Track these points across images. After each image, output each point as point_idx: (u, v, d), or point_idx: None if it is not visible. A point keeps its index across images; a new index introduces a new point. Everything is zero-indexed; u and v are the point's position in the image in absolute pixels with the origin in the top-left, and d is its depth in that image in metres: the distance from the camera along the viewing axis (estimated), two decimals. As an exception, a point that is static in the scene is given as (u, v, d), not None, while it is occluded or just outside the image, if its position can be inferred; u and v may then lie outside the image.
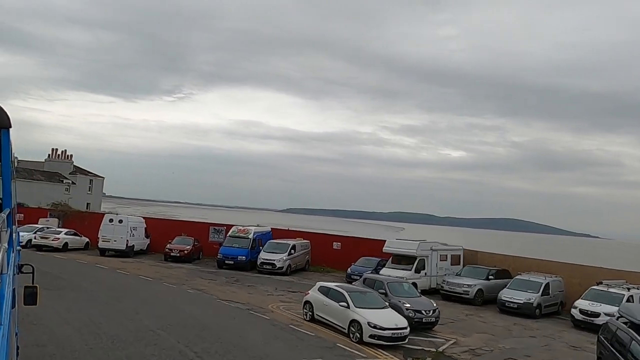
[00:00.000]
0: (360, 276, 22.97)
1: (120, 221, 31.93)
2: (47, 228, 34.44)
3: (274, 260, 29.41)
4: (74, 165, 59.65)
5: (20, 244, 33.17)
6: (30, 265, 7.70)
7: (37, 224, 35.84)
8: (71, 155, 59.80)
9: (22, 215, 37.69)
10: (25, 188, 48.16)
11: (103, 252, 31.74)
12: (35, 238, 31.80)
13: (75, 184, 57.43)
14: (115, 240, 31.39)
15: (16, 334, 6.75)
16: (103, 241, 31.54)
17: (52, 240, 31.57)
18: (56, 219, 37.07)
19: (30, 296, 7.08)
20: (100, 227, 31.74)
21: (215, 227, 36.84)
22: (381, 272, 25.70)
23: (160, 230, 35.53)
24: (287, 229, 37.82)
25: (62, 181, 55.99)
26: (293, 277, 28.95)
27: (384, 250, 27.63)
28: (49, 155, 59.58)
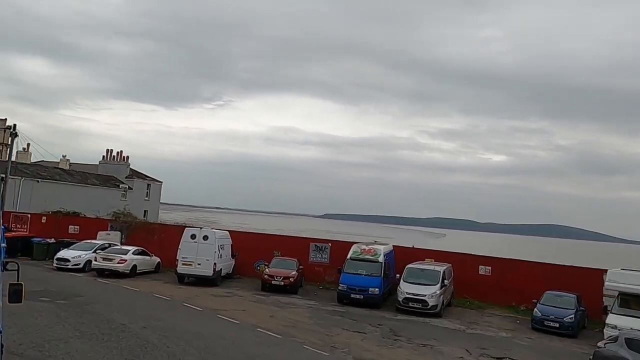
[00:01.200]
0: (561, 322, 18.29)
1: (206, 237, 23.69)
2: (110, 245, 26.65)
3: (425, 295, 20.50)
4: (130, 169, 52.51)
5: (77, 266, 25.36)
6: (16, 263, 7.62)
7: (95, 238, 28.16)
8: (127, 157, 52.75)
9: (78, 227, 30.00)
10: (79, 195, 41.04)
11: (182, 278, 23.59)
12: (95, 260, 23.91)
13: (132, 189, 50.17)
14: (199, 264, 23.15)
15: (0, 332, 6.65)
16: (183, 264, 23.35)
17: (118, 262, 23.58)
18: (118, 233, 29.29)
19: (15, 294, 7.22)
20: (180, 246, 23.62)
21: (318, 244, 28.28)
22: (614, 321, 16.56)
23: (242, 245, 27.24)
24: (411, 246, 28.84)
25: (119, 186, 48.80)
26: (451, 321, 20.00)
27: (606, 287, 18.31)
28: (103, 156, 52.68)
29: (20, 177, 35.34)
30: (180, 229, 27.28)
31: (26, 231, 30.31)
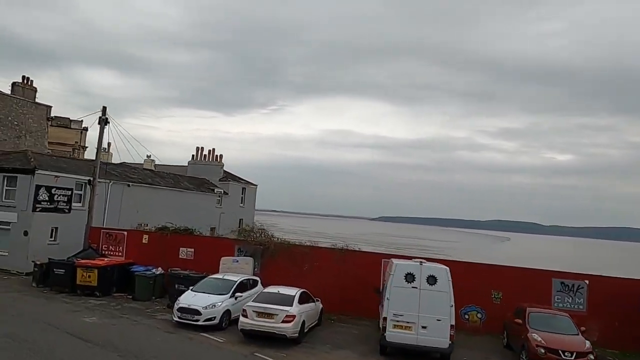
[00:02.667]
0: None
1: (433, 280, 13.39)
2: (250, 282, 17.07)
3: None
4: (224, 170, 43.61)
5: (211, 321, 14.95)
6: None
7: (217, 268, 18.76)
8: (220, 156, 43.82)
9: (192, 250, 20.66)
10: (174, 204, 32.24)
11: (384, 348, 13.52)
12: (245, 315, 14.10)
13: (227, 193, 41.15)
14: (424, 327, 12.91)
15: None
16: (396, 326, 13.16)
17: (284, 321, 13.70)
18: (250, 259, 19.68)
19: None
20: (388, 293, 13.47)
21: (565, 282, 17.54)
22: None
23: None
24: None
25: (213, 190, 39.87)
26: None
27: None
28: (192, 156, 44.04)
29: (107, 181, 26.79)
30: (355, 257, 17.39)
31: (122, 255, 21.35)
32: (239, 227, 44.21)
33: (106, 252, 21.46)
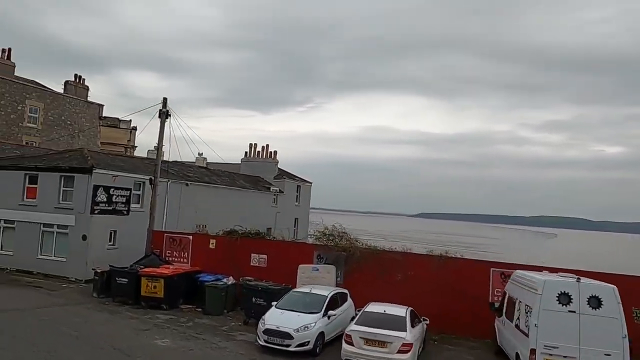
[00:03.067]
0: None
1: (596, 301, 10.38)
2: (339, 296, 14.49)
3: None
4: (278, 167, 41.36)
5: (304, 346, 12.65)
6: None
7: (294, 277, 16.29)
8: (275, 152, 41.57)
9: (265, 257, 18.26)
10: (231, 203, 30.15)
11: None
12: (349, 341, 11.44)
13: (283, 192, 38.85)
14: (589, 363, 9.97)
15: None
16: (550, 358, 10.25)
17: (399, 351, 10.98)
18: (332, 267, 17.06)
19: None
20: (536, 319, 10.54)
21: None
22: None
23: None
24: None
25: (269, 189, 37.64)
26: None
27: None
28: (245, 153, 42.00)
29: (166, 180, 24.82)
30: (467, 266, 14.55)
31: (187, 262, 19.16)
32: (294, 227, 42.06)
33: (170, 259, 19.33)
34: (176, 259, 19.31)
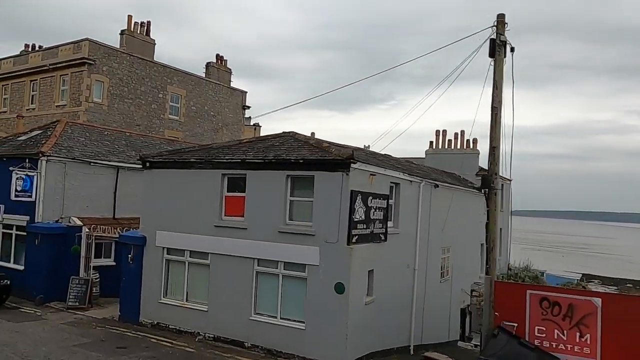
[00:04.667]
0: None
1: None
2: None
3: None
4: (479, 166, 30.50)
5: None
6: None
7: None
8: (475, 141, 30.69)
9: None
10: (454, 212, 19.52)
11: None
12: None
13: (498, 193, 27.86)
14: None
15: None
16: None
17: None
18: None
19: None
20: None
21: None
22: None
23: None
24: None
25: (480, 190, 26.89)
26: None
27: None
28: (431, 143, 31.54)
29: (419, 180, 15.17)
30: None
31: (593, 356, 8.89)
32: (499, 243, 31.12)
33: (543, 342, 9.16)
34: (559, 344, 9.07)
